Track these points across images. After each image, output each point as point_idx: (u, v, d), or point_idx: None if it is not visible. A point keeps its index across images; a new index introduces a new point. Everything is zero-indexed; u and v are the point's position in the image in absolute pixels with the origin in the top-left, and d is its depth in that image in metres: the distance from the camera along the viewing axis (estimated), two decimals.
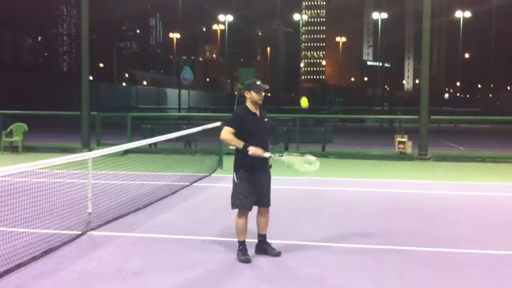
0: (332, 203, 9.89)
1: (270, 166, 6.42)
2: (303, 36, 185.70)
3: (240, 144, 6.08)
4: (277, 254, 6.40)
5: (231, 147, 6.38)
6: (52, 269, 5.86)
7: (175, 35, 77.08)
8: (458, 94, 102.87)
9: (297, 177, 11.73)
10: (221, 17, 69.69)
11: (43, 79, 56.73)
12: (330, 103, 54.65)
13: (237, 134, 6.17)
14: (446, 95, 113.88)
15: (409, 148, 16.90)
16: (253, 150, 6.01)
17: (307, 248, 6.80)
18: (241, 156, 6.20)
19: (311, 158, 6.33)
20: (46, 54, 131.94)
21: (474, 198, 10.63)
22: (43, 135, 22.58)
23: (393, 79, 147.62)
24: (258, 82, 6.34)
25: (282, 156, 6.22)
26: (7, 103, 27.13)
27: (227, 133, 6.17)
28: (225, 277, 5.69)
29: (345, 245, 6.99)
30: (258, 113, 6.32)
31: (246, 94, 6.34)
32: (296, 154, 6.39)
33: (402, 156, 16.77)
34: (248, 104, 6.31)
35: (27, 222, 6.95)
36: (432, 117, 19.65)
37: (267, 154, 6.07)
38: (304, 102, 6.74)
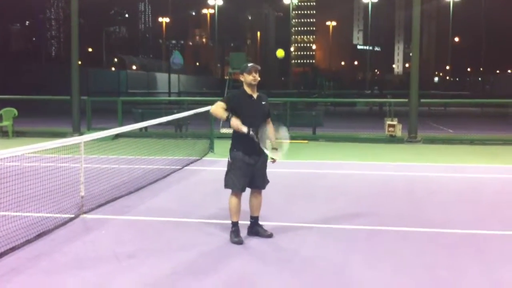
0: (323, 186, 9.97)
1: (276, 149, 6.43)
2: (293, 21, 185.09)
3: (224, 115, 6.17)
4: (269, 236, 6.47)
5: (224, 131, 6.40)
6: (46, 252, 5.89)
7: (164, 20, 76.60)
8: (448, 78, 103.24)
9: (288, 160, 11.82)
10: (210, 1, 69.28)
11: (32, 64, 56.30)
12: (321, 87, 54.74)
13: (231, 112, 6.22)
14: (436, 79, 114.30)
15: (399, 131, 17.00)
16: (233, 122, 6.10)
17: (299, 229, 6.88)
18: (237, 137, 6.27)
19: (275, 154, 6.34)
20: (34, 39, 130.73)
21: (463, 180, 10.75)
22: (33, 120, 22.49)
23: (383, 63, 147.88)
24: (250, 64, 6.40)
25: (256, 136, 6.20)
26: None
27: (216, 106, 6.27)
28: (218, 259, 5.74)
29: (337, 226, 7.07)
30: (254, 95, 6.36)
31: (241, 78, 6.42)
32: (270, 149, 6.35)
33: (392, 139, 16.87)
34: (245, 87, 6.38)
35: (19, 206, 6.97)
36: (422, 100, 19.75)
37: (245, 129, 6.10)
38: (280, 52, 6.75)
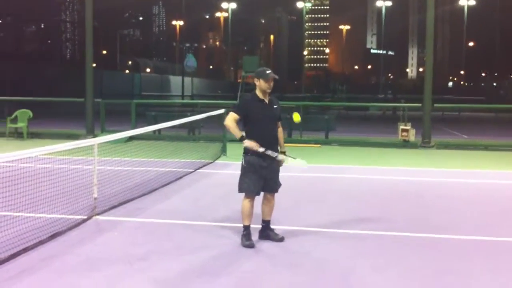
0: (333, 190, 9.96)
1: (284, 153, 6.44)
2: (307, 24, 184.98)
3: (238, 134, 6.18)
4: (280, 240, 6.48)
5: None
6: (58, 253, 5.94)
7: (178, 23, 76.92)
8: (462, 83, 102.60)
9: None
10: (224, 5, 69.46)
11: (47, 66, 56.75)
12: (334, 91, 54.68)
13: (244, 120, 6.26)
14: (450, 84, 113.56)
15: (412, 136, 16.91)
16: (248, 143, 6.10)
17: (310, 233, 6.88)
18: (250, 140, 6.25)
19: (302, 162, 6.48)
20: (49, 41, 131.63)
21: (476, 186, 10.68)
22: (47, 121, 22.69)
23: (397, 67, 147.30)
24: (268, 71, 6.37)
25: (277, 155, 6.26)
26: (12, 90, 27.18)
27: (230, 119, 6.27)
28: (229, 262, 5.76)
29: (346, 231, 7.06)
30: (266, 100, 6.37)
31: (255, 82, 6.38)
32: (290, 157, 6.43)
33: (405, 144, 16.80)
34: (257, 91, 6.37)
35: (33, 207, 7.03)
36: (436, 105, 19.62)
37: (261, 149, 6.11)
38: (296, 117, 6.77)
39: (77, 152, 8.33)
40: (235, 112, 6.28)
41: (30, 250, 5.96)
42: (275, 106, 6.46)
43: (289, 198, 8.77)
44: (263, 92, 6.34)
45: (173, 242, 6.47)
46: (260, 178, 6.31)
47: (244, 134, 6.20)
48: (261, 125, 6.24)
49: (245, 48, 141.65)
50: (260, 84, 6.31)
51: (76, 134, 17.73)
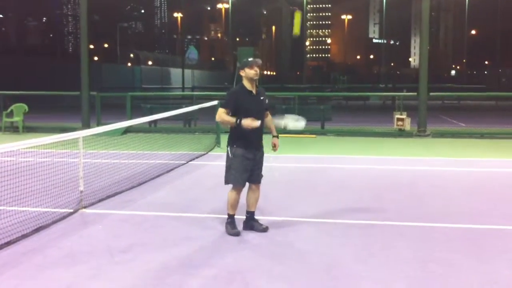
0: (325, 180, 9.93)
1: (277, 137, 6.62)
2: (309, 15, 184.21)
3: (232, 120, 6.14)
4: (264, 230, 6.46)
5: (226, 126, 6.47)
6: (41, 247, 5.93)
7: (179, 15, 76.72)
8: (465, 71, 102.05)
9: (294, 155, 11.81)
10: None
11: (49, 60, 56.68)
12: (334, 82, 54.54)
13: (233, 112, 6.21)
14: (453, 72, 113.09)
15: (407, 125, 16.85)
16: (245, 122, 6.05)
17: (296, 224, 6.85)
18: (235, 132, 6.25)
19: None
20: (51, 35, 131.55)
21: (470, 174, 10.63)
22: (45, 115, 22.70)
23: (400, 56, 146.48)
24: (251, 59, 6.35)
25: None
26: (12, 84, 27.16)
27: (220, 114, 6.24)
28: (212, 253, 5.74)
29: (334, 220, 7.03)
30: (254, 91, 6.33)
31: (241, 73, 6.36)
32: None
33: (401, 133, 16.74)
34: (245, 82, 6.34)
35: (18, 201, 7.03)
36: (432, 93, 19.50)
37: (258, 123, 6.10)
38: (297, 26, 6.89)
39: (67, 145, 8.33)
40: (224, 107, 6.26)
41: (13, 243, 5.95)
42: (261, 98, 6.43)
43: (279, 189, 8.77)
44: (251, 80, 6.29)
45: (158, 234, 6.46)
46: (246, 169, 6.29)
47: (238, 118, 6.13)
48: (250, 116, 6.19)
49: (247, 39, 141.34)
50: (247, 72, 6.27)
51: (72, 127, 17.65)
